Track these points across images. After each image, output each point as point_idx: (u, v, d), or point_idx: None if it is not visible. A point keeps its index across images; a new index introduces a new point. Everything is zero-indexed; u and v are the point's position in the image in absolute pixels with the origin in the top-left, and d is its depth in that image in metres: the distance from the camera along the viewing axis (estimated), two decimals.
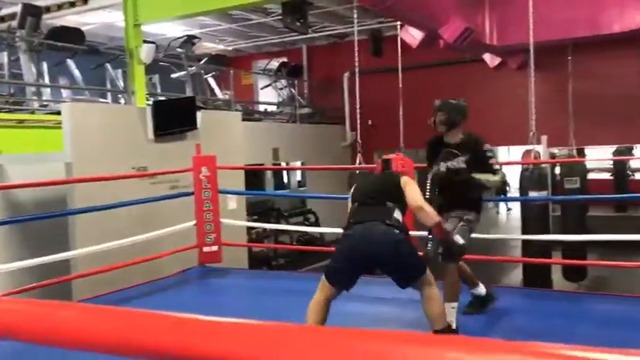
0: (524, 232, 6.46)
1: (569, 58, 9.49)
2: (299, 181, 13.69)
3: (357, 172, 4.15)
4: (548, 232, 6.49)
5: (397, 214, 3.36)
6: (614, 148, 14.15)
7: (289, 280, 5.98)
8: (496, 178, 3.81)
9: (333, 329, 0.71)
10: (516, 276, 8.32)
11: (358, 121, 8.29)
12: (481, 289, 4.10)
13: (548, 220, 6.69)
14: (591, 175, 12.46)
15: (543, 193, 6.46)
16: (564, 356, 0.61)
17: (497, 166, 3.86)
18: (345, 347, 0.69)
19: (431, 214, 3.39)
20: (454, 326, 3.60)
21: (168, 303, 4.78)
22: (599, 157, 15.05)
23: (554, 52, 9.45)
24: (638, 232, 5.54)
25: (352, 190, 3.72)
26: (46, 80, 8.38)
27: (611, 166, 15.04)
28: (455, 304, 3.66)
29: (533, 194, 6.38)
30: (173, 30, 11.34)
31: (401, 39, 9.21)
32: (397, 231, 3.28)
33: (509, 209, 17.24)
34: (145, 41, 7.48)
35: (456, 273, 3.75)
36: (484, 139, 3.96)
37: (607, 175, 15.08)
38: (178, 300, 4.95)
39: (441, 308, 3.32)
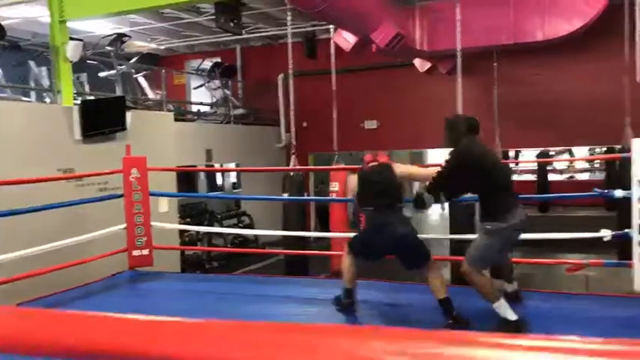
0: (452, 232, 6.66)
1: (495, 64, 9.87)
2: (233, 183, 13.57)
3: (355, 173, 4.71)
4: (474, 232, 6.71)
5: (405, 212, 4.26)
6: (538, 150, 14.83)
7: (222, 283, 5.93)
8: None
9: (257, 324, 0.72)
10: (445, 274, 8.56)
11: (292, 123, 8.31)
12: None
13: (474, 220, 6.93)
14: (516, 177, 13.00)
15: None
16: (476, 342, 0.64)
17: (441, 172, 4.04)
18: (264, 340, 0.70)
19: (423, 172, 4.44)
20: (512, 318, 3.87)
21: (95, 308, 4.64)
22: (521, 160, 15.73)
23: (481, 58, 9.81)
24: (558, 231, 5.82)
25: (358, 192, 4.43)
26: None
27: (535, 168, 15.74)
28: (496, 303, 3.92)
29: None
30: (102, 27, 11.00)
31: (334, 42, 9.32)
32: (408, 227, 4.21)
33: (442, 209, 17.73)
34: (71, 38, 7.23)
35: (478, 276, 4.00)
36: (458, 151, 4.03)
37: (531, 177, 15.78)
38: (106, 305, 4.81)
39: (439, 283, 4.11)
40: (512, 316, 3.87)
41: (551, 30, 8.80)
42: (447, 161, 3.99)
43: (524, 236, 6.54)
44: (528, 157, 15.59)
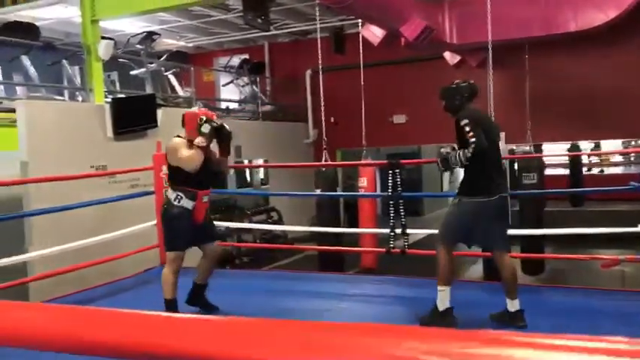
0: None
1: (527, 56, 9.69)
2: (262, 179, 13.64)
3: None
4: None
5: (169, 194, 4.14)
6: (570, 144, 14.54)
7: (251, 279, 5.96)
8: (465, 153, 3.69)
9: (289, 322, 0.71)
10: (477, 270, 8.49)
11: (323, 119, 8.30)
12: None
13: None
14: (548, 171, 12.78)
15: None
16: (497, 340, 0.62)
17: (472, 139, 3.64)
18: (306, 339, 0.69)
19: (197, 156, 3.95)
20: (441, 308, 3.84)
21: (128, 304, 4.71)
22: (554, 153, 15.45)
23: (512, 50, 9.64)
24: (592, 225, 5.70)
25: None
26: (0, 77, 8.14)
27: (567, 162, 15.45)
28: (443, 288, 3.86)
29: None
30: (132, 26, 11.14)
31: (363, 37, 9.26)
32: (165, 206, 4.15)
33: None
34: (102, 37, 7.34)
35: (446, 257, 3.91)
36: (465, 113, 3.80)
37: (563, 171, 15.50)
38: (138, 300, 4.88)
39: (165, 283, 4.07)
40: (443, 306, 3.85)
41: (585, 20, 8.60)
42: (467, 125, 3.66)
43: (557, 231, 6.44)
44: (560, 150, 15.31)
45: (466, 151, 3.66)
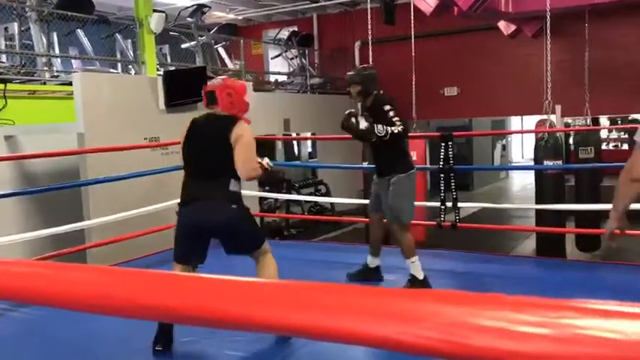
0: (538, 202, 6.41)
1: (586, 25, 9.28)
2: (309, 152, 13.64)
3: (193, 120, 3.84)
4: (562, 202, 6.44)
5: (232, 186, 3.39)
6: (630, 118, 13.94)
7: (299, 249, 6.01)
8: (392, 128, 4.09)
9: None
10: (530, 246, 8.32)
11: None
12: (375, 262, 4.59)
13: (562, 190, 6.64)
14: (606, 146, 12.31)
15: (558, 163, 6.40)
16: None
17: (400, 125, 4.12)
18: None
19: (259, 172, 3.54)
20: (420, 277, 4.18)
21: None
22: (612, 127, 14.88)
23: (571, 19, 9.26)
24: None
25: (184, 146, 3.61)
26: (57, 51, 8.34)
27: (627, 137, 14.87)
28: (414, 259, 4.21)
29: (547, 163, 6.32)
30: None
31: (414, 6, 9.03)
32: (234, 205, 3.38)
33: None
34: (154, 10, 7.41)
35: (407, 233, 4.29)
36: (384, 99, 4.36)
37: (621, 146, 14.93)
38: None
39: (274, 273, 3.49)
40: (421, 275, 4.19)
41: None
42: (391, 111, 4.17)
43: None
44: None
45: (393, 129, 4.06)
